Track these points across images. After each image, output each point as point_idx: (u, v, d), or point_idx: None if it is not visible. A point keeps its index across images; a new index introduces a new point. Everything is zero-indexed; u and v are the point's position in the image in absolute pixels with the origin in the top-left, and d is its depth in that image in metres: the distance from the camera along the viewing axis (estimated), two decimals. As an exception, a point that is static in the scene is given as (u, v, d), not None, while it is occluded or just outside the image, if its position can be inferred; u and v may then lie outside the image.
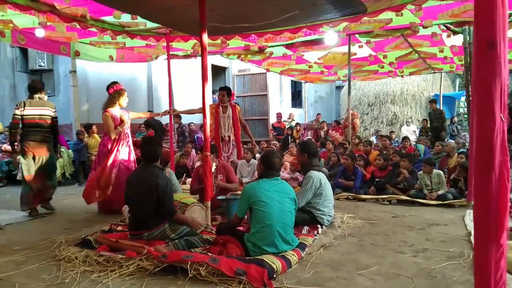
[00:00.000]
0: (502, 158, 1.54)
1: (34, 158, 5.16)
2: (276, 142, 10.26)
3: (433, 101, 11.84)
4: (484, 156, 1.55)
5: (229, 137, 6.14)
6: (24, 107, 5.08)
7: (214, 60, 12.06)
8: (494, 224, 1.56)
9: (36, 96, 5.21)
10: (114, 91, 5.11)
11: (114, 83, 5.19)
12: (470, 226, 4.03)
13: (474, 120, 1.61)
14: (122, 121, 5.14)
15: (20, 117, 5.06)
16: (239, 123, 6.20)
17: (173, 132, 8.31)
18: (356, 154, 6.85)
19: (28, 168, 5.14)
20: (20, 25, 6.01)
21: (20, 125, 5.12)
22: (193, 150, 8.88)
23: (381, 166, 6.30)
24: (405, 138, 8.79)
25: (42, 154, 5.21)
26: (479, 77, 1.57)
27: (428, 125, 12.02)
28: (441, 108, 12.10)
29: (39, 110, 5.15)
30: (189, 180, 7.45)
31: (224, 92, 6.19)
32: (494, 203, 1.55)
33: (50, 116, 5.24)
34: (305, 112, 17.69)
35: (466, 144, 9.12)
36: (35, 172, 5.15)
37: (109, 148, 5.06)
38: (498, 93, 1.52)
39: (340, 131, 11.60)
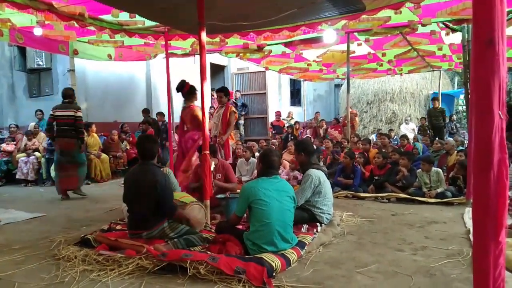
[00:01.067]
0: (500, 156, 1.54)
1: (62, 151, 6.32)
2: (275, 141, 10.24)
3: (435, 98, 11.81)
4: (483, 154, 1.55)
5: (215, 136, 5.94)
6: (56, 110, 6.38)
7: (212, 58, 12.04)
8: (493, 221, 1.55)
9: (66, 100, 6.44)
10: (190, 86, 5.18)
11: (184, 81, 5.33)
12: (469, 224, 4.03)
13: (473, 118, 1.61)
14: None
15: (53, 117, 6.35)
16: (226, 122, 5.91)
17: (172, 131, 8.30)
18: (356, 153, 6.86)
19: (58, 159, 6.39)
20: (18, 23, 5.99)
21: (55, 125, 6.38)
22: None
23: (380, 164, 6.30)
24: (403, 136, 8.78)
25: (70, 148, 6.35)
26: (478, 75, 1.57)
27: (426, 122, 12.02)
28: (441, 107, 12.08)
29: (66, 112, 6.33)
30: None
31: (222, 93, 6.04)
32: (493, 201, 1.54)
33: (74, 116, 6.33)
34: (304, 110, 17.67)
35: (465, 142, 9.12)
36: (65, 163, 6.33)
37: (196, 138, 5.21)
38: (496, 91, 1.52)
39: (339, 129, 11.60)
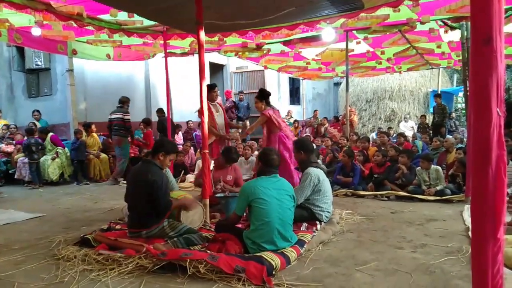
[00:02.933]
0: (498, 153, 1.54)
1: (116, 146, 8.12)
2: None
3: (438, 95, 11.79)
4: (481, 151, 1.55)
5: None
6: (111, 113, 8.07)
7: (211, 57, 12.03)
8: (491, 218, 1.56)
9: (119, 105, 8.05)
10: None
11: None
12: (469, 221, 4.04)
13: (471, 115, 1.61)
14: None
15: (110, 119, 8.04)
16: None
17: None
18: (355, 151, 6.87)
19: (116, 153, 8.24)
20: (16, 24, 5.99)
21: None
22: (191, 148, 8.89)
23: (380, 163, 6.30)
24: (400, 134, 8.75)
25: (119, 144, 8.02)
26: (476, 72, 1.57)
27: (426, 120, 12.01)
28: (444, 104, 12.03)
29: (116, 115, 7.96)
30: (187, 176, 7.50)
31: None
32: (491, 198, 1.55)
33: (122, 118, 7.86)
34: (303, 109, 17.66)
35: (464, 139, 9.11)
36: (117, 155, 8.11)
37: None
38: (494, 88, 1.52)
39: (339, 127, 11.60)
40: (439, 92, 13.25)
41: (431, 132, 11.22)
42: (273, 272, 2.76)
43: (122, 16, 5.71)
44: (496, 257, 1.58)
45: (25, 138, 8.16)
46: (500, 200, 1.57)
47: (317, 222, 3.95)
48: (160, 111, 9.97)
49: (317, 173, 4.06)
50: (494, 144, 1.53)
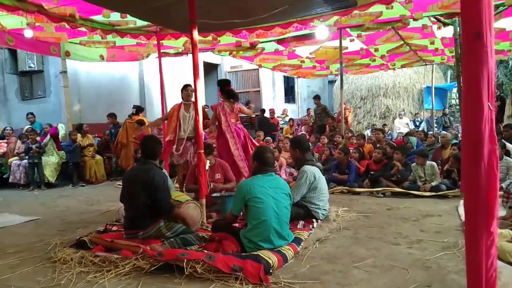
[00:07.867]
0: (490, 147, 1.55)
1: None
2: (269, 138, 10.24)
3: (316, 97, 11.86)
4: (473, 145, 1.56)
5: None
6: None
7: (205, 57, 12.00)
8: (484, 212, 1.57)
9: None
10: None
11: None
12: (464, 216, 4.06)
13: (463, 110, 1.62)
14: None
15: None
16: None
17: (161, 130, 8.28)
18: (350, 148, 6.89)
19: None
20: (8, 26, 5.94)
21: None
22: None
23: (378, 160, 6.32)
24: (359, 135, 8.75)
25: None
26: (467, 67, 1.58)
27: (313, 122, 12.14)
28: (324, 105, 12.07)
29: None
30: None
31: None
32: (484, 192, 1.56)
33: (250, 116, 9.27)
34: (298, 107, 17.67)
35: (459, 135, 9.17)
36: None
37: None
38: (485, 82, 1.53)
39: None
40: (432, 89, 13.29)
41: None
42: (271, 271, 2.76)
43: (115, 16, 5.69)
44: (489, 251, 1.59)
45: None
46: (492, 194, 1.58)
47: (314, 220, 3.96)
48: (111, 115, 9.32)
49: (313, 171, 4.07)
50: (486, 138, 1.54)
